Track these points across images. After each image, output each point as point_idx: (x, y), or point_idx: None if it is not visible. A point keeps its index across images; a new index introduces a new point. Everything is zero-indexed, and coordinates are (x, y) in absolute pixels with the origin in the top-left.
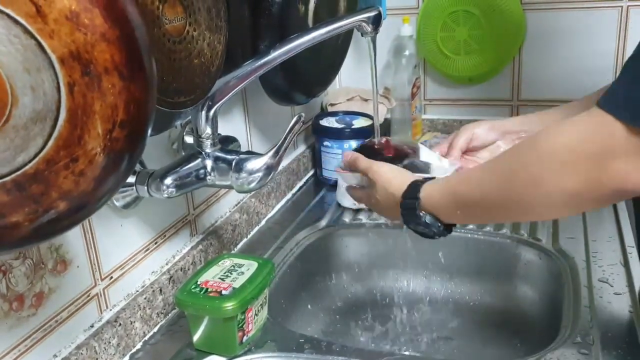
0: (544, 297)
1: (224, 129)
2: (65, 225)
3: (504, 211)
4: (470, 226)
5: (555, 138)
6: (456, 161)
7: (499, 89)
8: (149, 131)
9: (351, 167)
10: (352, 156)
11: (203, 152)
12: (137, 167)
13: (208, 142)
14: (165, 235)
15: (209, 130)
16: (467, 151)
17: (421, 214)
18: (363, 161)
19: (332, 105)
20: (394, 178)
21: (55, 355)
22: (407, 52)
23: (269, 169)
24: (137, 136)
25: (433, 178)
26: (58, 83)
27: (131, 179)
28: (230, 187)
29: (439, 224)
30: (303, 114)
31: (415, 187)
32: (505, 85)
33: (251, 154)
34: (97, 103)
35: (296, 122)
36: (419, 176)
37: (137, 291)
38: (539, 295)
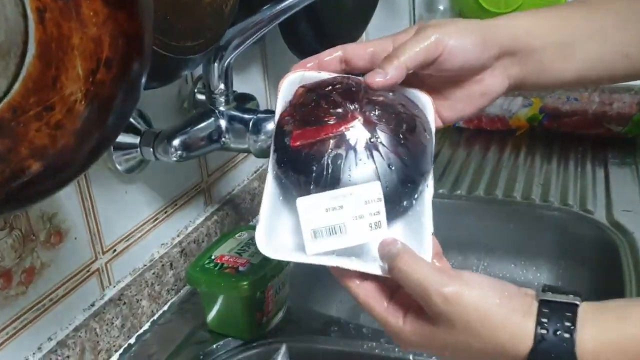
0: (599, 277)
1: (240, 87)
2: (43, 190)
3: None
4: (515, 194)
5: None
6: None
7: None
8: (144, 76)
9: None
10: (390, 249)
11: (216, 111)
12: (143, 127)
13: (222, 99)
14: (176, 204)
15: (222, 86)
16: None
17: None
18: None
19: None
20: (490, 309)
21: (49, 338)
22: (441, 7)
23: None
24: (128, 80)
25: (566, 298)
26: (24, 8)
27: (135, 140)
28: (247, 151)
29: None
30: None
31: (561, 342)
32: None
33: (271, 113)
34: (75, 35)
35: None
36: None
37: (145, 265)
38: (593, 274)
